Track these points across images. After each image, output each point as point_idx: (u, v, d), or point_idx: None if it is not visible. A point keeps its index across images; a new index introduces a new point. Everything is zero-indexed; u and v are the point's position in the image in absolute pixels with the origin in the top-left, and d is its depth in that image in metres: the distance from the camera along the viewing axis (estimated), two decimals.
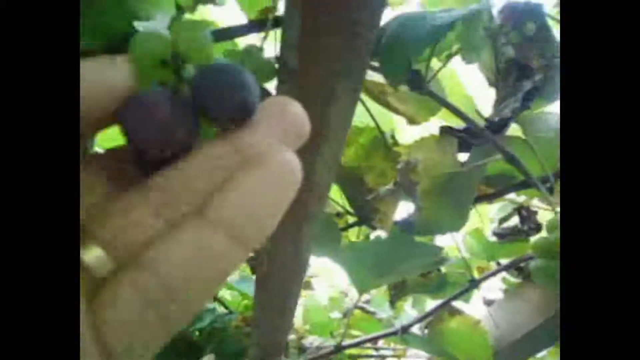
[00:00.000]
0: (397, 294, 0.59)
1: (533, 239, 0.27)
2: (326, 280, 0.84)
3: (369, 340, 0.56)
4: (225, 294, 0.83)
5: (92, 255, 0.12)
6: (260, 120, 0.13)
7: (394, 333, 0.55)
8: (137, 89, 0.13)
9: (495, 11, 0.32)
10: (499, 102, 0.34)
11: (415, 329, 0.64)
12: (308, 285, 0.80)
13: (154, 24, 0.33)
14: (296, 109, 0.14)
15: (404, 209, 0.51)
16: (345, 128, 0.29)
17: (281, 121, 0.13)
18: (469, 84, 0.39)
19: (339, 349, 0.56)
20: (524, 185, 0.40)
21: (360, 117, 0.46)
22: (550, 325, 0.56)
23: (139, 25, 0.33)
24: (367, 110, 0.41)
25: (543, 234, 0.27)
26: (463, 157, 0.40)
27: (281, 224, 0.39)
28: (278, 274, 0.45)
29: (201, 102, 0.13)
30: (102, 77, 0.13)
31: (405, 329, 0.54)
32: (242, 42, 0.37)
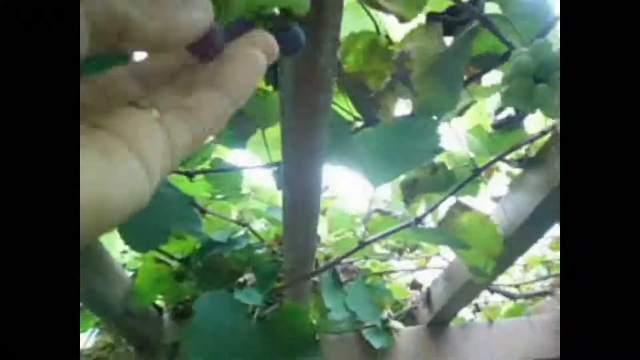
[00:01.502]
0: (410, 193, 0.65)
1: (511, 60, 0.30)
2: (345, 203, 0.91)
3: (388, 234, 0.62)
4: (255, 226, 0.91)
5: None
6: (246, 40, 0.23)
7: (409, 225, 0.61)
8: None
9: None
10: None
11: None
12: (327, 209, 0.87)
13: None
14: (269, 37, 0.23)
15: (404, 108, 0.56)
16: (339, 10, 0.34)
17: (257, 41, 0.23)
18: None
19: (362, 244, 0.63)
20: (507, 57, 0.45)
21: (356, 25, 0.51)
22: (550, 203, 0.61)
23: None
24: (366, 10, 0.46)
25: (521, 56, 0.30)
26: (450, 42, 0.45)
27: (296, 116, 0.45)
28: (298, 173, 0.51)
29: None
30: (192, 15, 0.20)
31: (418, 220, 0.61)
32: None
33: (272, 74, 0.44)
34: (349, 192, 0.87)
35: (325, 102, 0.41)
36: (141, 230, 0.50)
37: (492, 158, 0.68)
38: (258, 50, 0.22)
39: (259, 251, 0.85)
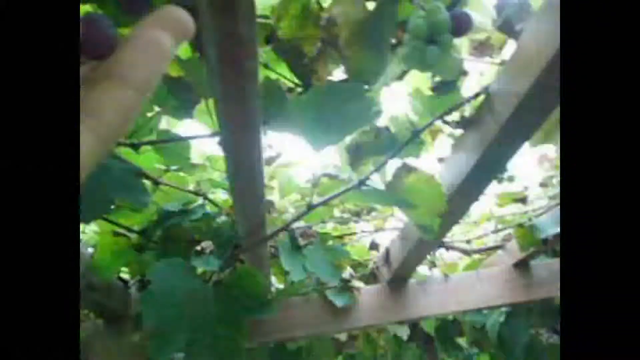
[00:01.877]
0: (355, 156, 0.67)
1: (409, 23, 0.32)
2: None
3: (334, 197, 0.65)
4: (215, 196, 0.92)
5: None
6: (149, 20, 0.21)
7: (354, 187, 0.64)
8: None
9: None
10: None
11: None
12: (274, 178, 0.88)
13: None
14: (181, 13, 0.21)
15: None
16: None
17: (164, 21, 0.21)
18: None
19: (310, 207, 0.65)
20: None
21: None
22: (486, 161, 0.65)
23: None
24: None
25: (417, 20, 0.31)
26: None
27: (224, 85, 0.46)
28: (236, 141, 0.52)
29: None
30: None
31: (362, 182, 0.63)
32: None
33: (197, 41, 0.44)
34: (301, 158, 0.89)
35: (251, 69, 0.42)
36: (81, 201, 0.50)
37: (437, 125, 0.70)
38: (165, 32, 0.20)
39: (218, 220, 0.86)
